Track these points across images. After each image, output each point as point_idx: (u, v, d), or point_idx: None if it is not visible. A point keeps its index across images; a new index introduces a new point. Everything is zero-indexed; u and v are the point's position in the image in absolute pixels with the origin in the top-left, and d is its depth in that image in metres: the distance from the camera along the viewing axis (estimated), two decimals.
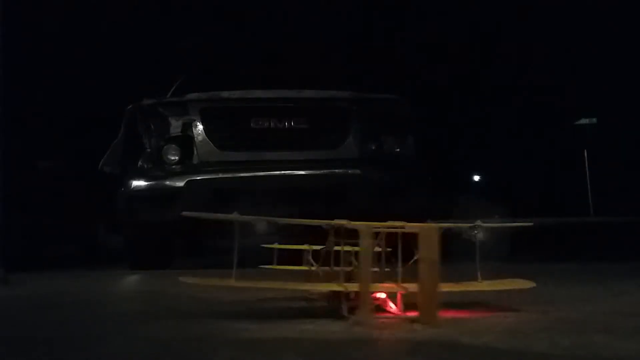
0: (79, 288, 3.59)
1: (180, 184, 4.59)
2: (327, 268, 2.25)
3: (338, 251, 2.18)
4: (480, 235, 2.19)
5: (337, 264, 2.21)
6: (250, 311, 2.37)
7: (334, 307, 2.12)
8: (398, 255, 2.08)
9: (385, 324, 1.97)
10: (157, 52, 11.05)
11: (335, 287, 2.11)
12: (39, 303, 2.82)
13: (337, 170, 4.74)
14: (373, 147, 4.93)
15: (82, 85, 10.58)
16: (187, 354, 1.64)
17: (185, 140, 4.78)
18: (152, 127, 4.86)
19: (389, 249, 2.13)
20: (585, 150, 25.00)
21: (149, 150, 4.81)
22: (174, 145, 4.77)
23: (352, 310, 2.01)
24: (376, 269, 2.08)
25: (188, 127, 4.79)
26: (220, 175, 4.65)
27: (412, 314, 1.99)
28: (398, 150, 4.99)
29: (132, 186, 4.71)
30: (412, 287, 2.00)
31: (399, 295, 2.06)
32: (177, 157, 4.75)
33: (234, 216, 2.08)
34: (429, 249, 1.93)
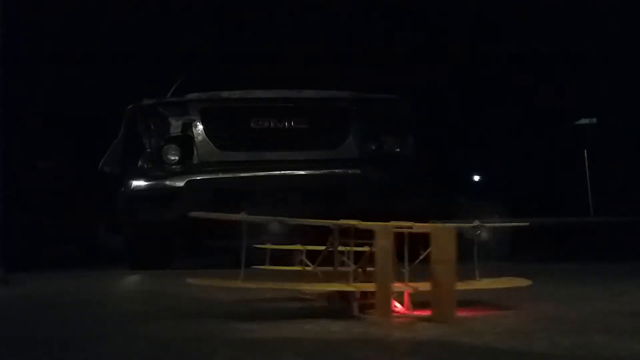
0: (79, 288, 3.59)
1: (180, 184, 4.59)
2: (327, 268, 2.25)
3: (331, 251, 2.17)
4: (484, 235, 2.20)
5: (332, 264, 2.21)
6: (250, 311, 2.37)
7: (342, 307, 2.11)
8: (405, 255, 2.08)
9: (401, 323, 1.97)
10: (157, 52, 11.05)
11: (347, 287, 2.10)
12: (39, 303, 2.82)
13: (337, 170, 4.75)
14: (373, 147, 4.93)
15: (82, 85, 10.57)
16: (187, 354, 1.64)
17: (185, 140, 4.78)
18: (152, 127, 4.86)
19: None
20: (585, 150, 24.99)
21: (149, 150, 4.82)
22: (174, 145, 4.77)
23: (362, 310, 2.02)
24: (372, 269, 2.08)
25: (188, 127, 4.79)
26: (220, 175, 4.65)
27: (420, 312, 2.00)
28: (398, 150, 4.99)
29: (132, 186, 4.71)
30: (422, 286, 2.01)
31: (406, 295, 2.07)
32: (177, 157, 4.76)
33: (242, 216, 2.07)
34: (446, 249, 1.95)
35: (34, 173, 7.32)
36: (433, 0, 15.54)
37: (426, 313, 2.00)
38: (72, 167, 7.67)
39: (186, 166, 4.74)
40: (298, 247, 2.50)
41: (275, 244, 2.66)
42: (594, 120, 25.43)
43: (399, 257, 2.09)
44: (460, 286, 2.23)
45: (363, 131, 4.91)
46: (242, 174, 4.67)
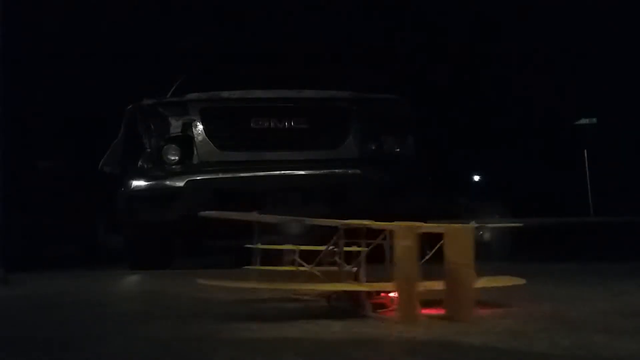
0: (79, 288, 3.59)
1: (180, 184, 4.59)
2: (328, 268, 2.25)
3: (319, 251, 2.15)
4: (487, 235, 2.20)
5: (329, 264, 2.20)
6: (250, 311, 2.36)
7: (353, 307, 2.10)
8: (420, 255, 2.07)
9: (401, 323, 1.96)
10: (157, 52, 11.06)
11: (362, 287, 2.09)
12: (39, 303, 2.82)
13: (337, 170, 4.75)
14: (373, 147, 4.93)
15: (82, 85, 10.58)
16: (187, 354, 1.64)
17: (185, 140, 4.78)
18: (152, 127, 4.86)
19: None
20: (585, 150, 25.01)
21: (149, 150, 4.81)
22: (174, 145, 4.77)
23: (374, 309, 2.01)
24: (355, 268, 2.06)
25: (188, 127, 4.79)
26: (220, 175, 4.65)
27: (431, 312, 1.99)
28: (398, 150, 4.99)
29: (132, 186, 4.71)
30: (433, 285, 2.01)
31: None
32: (177, 157, 4.75)
33: (254, 216, 2.06)
34: (464, 248, 1.96)
35: (34, 173, 7.32)
36: (433, 0, 15.55)
37: (438, 312, 2.00)
38: (72, 167, 7.66)
39: (186, 166, 4.74)
40: (290, 246, 2.47)
41: (265, 244, 2.63)
42: (594, 120, 25.44)
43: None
44: None
45: (363, 131, 4.91)
46: (242, 174, 4.67)
